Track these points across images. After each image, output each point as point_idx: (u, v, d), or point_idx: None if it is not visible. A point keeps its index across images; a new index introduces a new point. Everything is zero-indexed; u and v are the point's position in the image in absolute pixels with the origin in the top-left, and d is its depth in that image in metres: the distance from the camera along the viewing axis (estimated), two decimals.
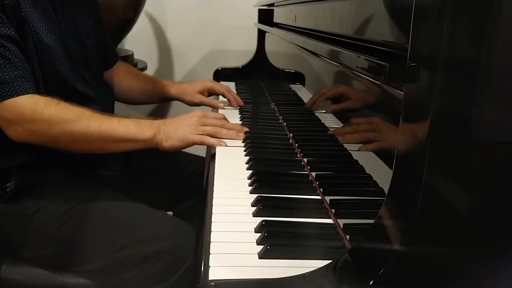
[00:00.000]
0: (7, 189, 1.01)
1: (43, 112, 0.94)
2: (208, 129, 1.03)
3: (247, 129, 1.09)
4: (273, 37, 1.70)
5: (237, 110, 1.35)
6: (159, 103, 1.79)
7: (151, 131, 1.00)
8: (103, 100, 1.16)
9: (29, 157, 1.02)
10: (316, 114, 1.13)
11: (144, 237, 0.96)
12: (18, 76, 0.93)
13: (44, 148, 1.03)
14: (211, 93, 1.45)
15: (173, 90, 1.41)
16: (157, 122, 1.03)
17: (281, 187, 0.80)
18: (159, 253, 0.93)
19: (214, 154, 0.98)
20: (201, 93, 1.41)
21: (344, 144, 0.88)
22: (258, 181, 0.81)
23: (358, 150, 0.80)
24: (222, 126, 1.06)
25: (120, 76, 1.36)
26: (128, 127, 0.99)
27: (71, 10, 1.11)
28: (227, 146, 1.02)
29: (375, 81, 0.68)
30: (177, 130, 1.01)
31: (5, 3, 0.93)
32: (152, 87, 1.40)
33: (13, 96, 0.92)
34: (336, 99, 1.00)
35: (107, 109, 1.15)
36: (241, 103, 1.39)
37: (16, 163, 1.01)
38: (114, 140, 0.99)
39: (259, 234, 0.64)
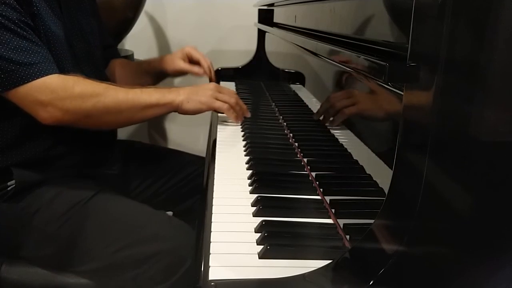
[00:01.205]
0: (8, 188, 1.01)
1: (74, 88, 0.96)
2: (226, 98, 1.11)
3: (248, 115, 1.18)
4: (273, 37, 1.70)
5: None
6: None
7: (171, 95, 1.05)
8: None
9: (30, 156, 1.02)
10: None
11: (144, 237, 0.96)
12: (44, 58, 0.96)
13: (44, 147, 1.03)
14: (190, 60, 1.41)
15: (155, 62, 1.41)
16: (175, 88, 1.09)
17: (281, 187, 0.80)
18: (159, 254, 0.93)
19: (214, 154, 0.98)
20: (182, 60, 1.39)
21: (344, 144, 0.88)
22: (258, 181, 0.81)
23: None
24: (233, 106, 1.12)
25: (111, 70, 1.38)
26: (150, 94, 1.03)
27: (76, 10, 1.12)
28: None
29: (376, 81, 0.68)
30: (198, 93, 1.07)
31: None
32: (136, 68, 1.41)
33: (42, 76, 0.94)
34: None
35: None
36: (213, 77, 1.39)
37: (17, 161, 1.02)
38: (141, 107, 1.02)
39: (259, 234, 0.64)
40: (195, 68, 1.38)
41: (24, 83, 0.93)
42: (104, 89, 1.00)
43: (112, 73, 1.36)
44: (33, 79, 0.93)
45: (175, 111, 1.07)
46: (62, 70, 1.03)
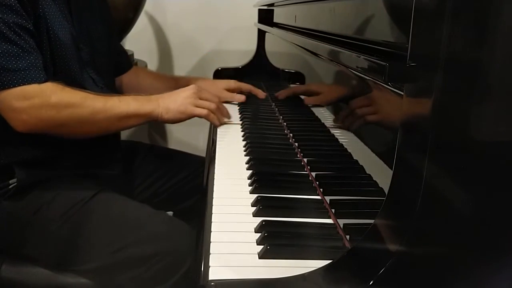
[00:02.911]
0: (10, 186, 1.01)
1: (50, 98, 0.96)
2: (206, 104, 1.09)
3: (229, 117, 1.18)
4: (273, 37, 1.70)
5: (237, 111, 1.35)
6: None
7: (151, 105, 1.04)
8: None
9: (31, 154, 1.03)
10: (316, 114, 1.13)
11: (143, 238, 0.96)
12: (30, 65, 0.95)
13: (46, 146, 1.03)
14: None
15: (196, 83, 1.36)
16: (155, 96, 1.07)
17: (281, 187, 0.80)
18: (159, 254, 0.93)
19: (214, 154, 0.98)
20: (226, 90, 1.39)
21: (344, 144, 0.88)
22: (258, 181, 0.81)
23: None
24: (217, 105, 1.12)
25: (140, 77, 1.39)
26: (129, 103, 1.03)
27: (85, 15, 1.14)
28: (226, 123, 1.14)
29: (376, 81, 0.67)
30: (176, 102, 1.05)
31: None
32: (175, 84, 1.38)
33: (23, 84, 0.93)
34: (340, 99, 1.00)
35: None
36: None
37: (19, 159, 1.02)
38: (119, 117, 1.02)
39: (259, 234, 0.64)
40: (237, 96, 1.38)
41: (4, 88, 0.93)
42: (81, 99, 0.99)
43: (137, 80, 1.37)
44: (13, 86, 0.93)
45: (155, 121, 1.07)
46: (68, 72, 1.04)
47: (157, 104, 1.05)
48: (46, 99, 0.96)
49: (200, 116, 1.09)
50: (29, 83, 0.94)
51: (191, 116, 1.08)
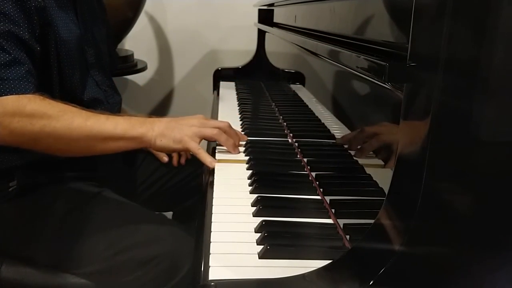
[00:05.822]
0: (10, 189, 1.01)
1: (25, 107, 0.89)
2: (208, 131, 0.96)
3: (245, 139, 1.04)
4: (273, 37, 1.70)
5: (237, 111, 1.35)
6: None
7: (143, 128, 0.93)
8: (112, 106, 1.17)
9: (32, 158, 1.02)
10: (316, 114, 1.13)
11: (142, 241, 0.96)
12: (20, 76, 0.91)
13: None
14: None
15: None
16: (151, 119, 0.96)
17: (281, 187, 0.80)
18: (157, 257, 0.92)
19: (214, 154, 0.98)
20: None
21: (344, 144, 0.88)
22: (258, 181, 0.81)
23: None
24: (224, 131, 0.99)
25: None
26: (117, 123, 0.92)
27: (89, 16, 1.15)
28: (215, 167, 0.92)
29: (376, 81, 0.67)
30: (174, 129, 0.94)
31: (32, 6, 0.93)
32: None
33: (6, 94, 0.89)
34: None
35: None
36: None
37: (19, 163, 1.01)
38: (102, 138, 0.92)
39: (259, 234, 0.64)
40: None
41: None
42: (58, 112, 0.90)
43: None
44: None
45: (148, 147, 0.95)
46: (72, 76, 1.04)
47: (151, 128, 0.93)
48: (21, 109, 0.89)
49: (192, 153, 0.94)
50: (8, 94, 0.88)
51: (185, 149, 0.95)
